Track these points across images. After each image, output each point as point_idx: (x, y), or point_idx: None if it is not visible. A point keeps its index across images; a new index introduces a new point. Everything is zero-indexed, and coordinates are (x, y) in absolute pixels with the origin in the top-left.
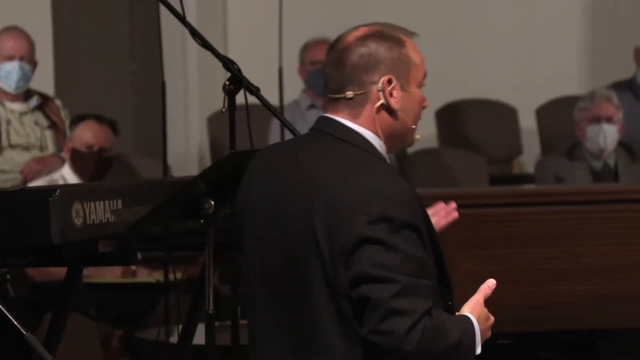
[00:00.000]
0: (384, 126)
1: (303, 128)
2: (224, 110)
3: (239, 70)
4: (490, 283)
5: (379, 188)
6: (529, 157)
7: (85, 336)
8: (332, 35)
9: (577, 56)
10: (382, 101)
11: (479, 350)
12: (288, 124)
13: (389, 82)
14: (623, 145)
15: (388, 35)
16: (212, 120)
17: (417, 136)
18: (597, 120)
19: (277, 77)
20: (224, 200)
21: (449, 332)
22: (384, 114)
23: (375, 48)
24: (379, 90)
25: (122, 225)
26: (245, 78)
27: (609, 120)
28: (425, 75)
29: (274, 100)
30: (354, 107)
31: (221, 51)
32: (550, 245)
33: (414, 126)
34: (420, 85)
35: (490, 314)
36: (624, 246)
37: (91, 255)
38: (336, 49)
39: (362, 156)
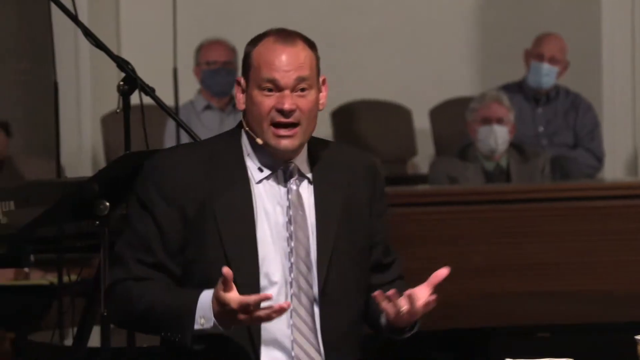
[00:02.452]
0: (248, 126)
1: (198, 129)
2: (118, 110)
3: (133, 70)
4: (225, 271)
5: (145, 166)
6: (423, 157)
7: None
8: (226, 36)
9: (469, 57)
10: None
11: (210, 324)
12: (184, 125)
13: (238, 82)
14: (514, 146)
15: (256, 37)
16: (106, 121)
17: (259, 140)
18: (488, 121)
19: (172, 77)
20: (118, 201)
21: (129, 300)
22: (245, 114)
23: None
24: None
25: (14, 227)
26: (139, 78)
27: (500, 121)
28: (268, 78)
29: (169, 100)
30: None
31: (114, 51)
32: (442, 245)
33: (262, 127)
34: (261, 87)
35: (228, 301)
36: (514, 245)
37: None
38: None
39: (189, 144)
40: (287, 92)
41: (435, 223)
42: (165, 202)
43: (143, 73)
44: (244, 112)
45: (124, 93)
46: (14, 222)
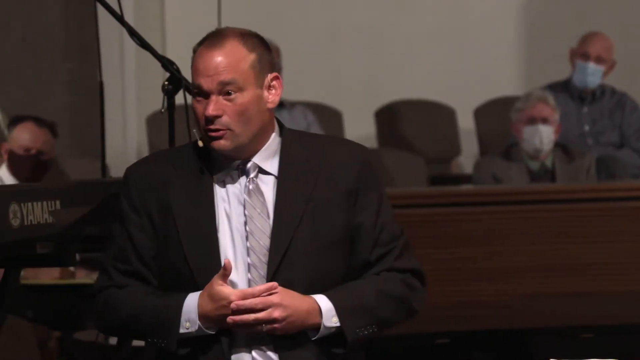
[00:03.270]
0: None
1: None
2: (163, 110)
3: (177, 70)
4: (226, 263)
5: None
6: (467, 157)
7: (21, 338)
8: (270, 36)
9: (513, 57)
10: None
11: (195, 327)
12: None
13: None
14: (560, 146)
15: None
16: (151, 121)
17: (200, 143)
18: (533, 121)
19: None
20: None
21: (114, 308)
22: None
23: None
24: None
25: (60, 227)
26: (184, 78)
27: (545, 121)
28: (195, 85)
29: None
30: None
31: (159, 51)
32: (487, 245)
33: (202, 130)
34: (194, 93)
35: (227, 295)
36: (559, 246)
37: (29, 256)
38: None
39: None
40: (213, 97)
41: (479, 223)
42: (136, 213)
43: (188, 73)
44: None
45: (169, 93)
46: (60, 222)
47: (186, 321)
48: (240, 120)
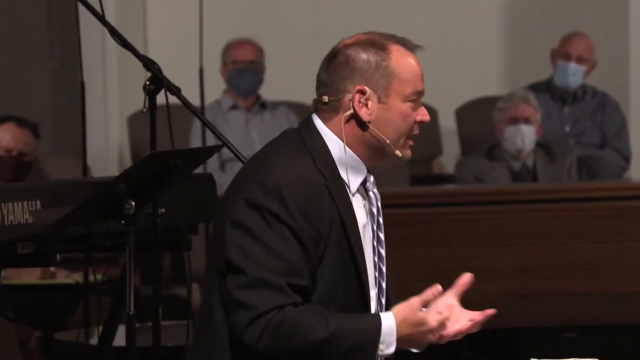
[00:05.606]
0: (354, 136)
1: (224, 128)
2: (144, 110)
3: (159, 70)
4: (436, 289)
5: (266, 176)
6: (449, 157)
7: (2, 338)
8: (253, 35)
9: (495, 57)
10: (350, 111)
11: (391, 350)
12: (209, 125)
13: (362, 92)
14: (541, 146)
15: (374, 44)
16: (132, 121)
17: (398, 152)
18: (515, 121)
19: (198, 77)
20: (145, 201)
21: (308, 329)
22: (353, 124)
23: (354, 57)
24: (349, 100)
25: (41, 227)
26: (166, 78)
27: (527, 121)
28: (418, 90)
29: (195, 100)
30: (329, 111)
31: (141, 51)
32: (469, 245)
33: (400, 140)
34: (407, 99)
35: (428, 321)
36: (541, 246)
37: (9, 256)
38: (328, 53)
39: (290, 151)
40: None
41: (461, 223)
42: (307, 222)
43: (169, 72)
44: (356, 123)
45: (150, 93)
46: (41, 222)
47: (382, 343)
48: None
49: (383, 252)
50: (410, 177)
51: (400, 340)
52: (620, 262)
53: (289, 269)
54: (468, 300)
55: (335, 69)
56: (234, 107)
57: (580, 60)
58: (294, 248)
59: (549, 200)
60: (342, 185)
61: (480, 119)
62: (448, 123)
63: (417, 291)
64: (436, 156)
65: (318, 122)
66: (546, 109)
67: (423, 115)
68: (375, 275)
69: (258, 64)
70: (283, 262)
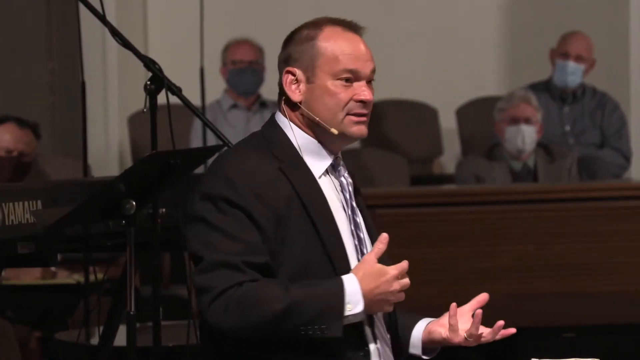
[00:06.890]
0: (299, 119)
1: (225, 128)
2: (145, 110)
3: (160, 70)
4: (383, 237)
5: (217, 168)
6: (450, 157)
7: (2, 338)
8: (253, 35)
9: (496, 57)
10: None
11: (359, 309)
12: (210, 124)
13: (291, 74)
14: (542, 146)
15: (310, 25)
16: (133, 120)
17: (333, 130)
18: (516, 121)
19: (198, 77)
20: (144, 201)
21: (270, 299)
22: (291, 106)
23: (290, 41)
24: (280, 83)
25: (41, 226)
26: (166, 78)
27: (527, 121)
28: (349, 68)
29: (195, 100)
30: (280, 100)
31: (142, 51)
32: (469, 245)
33: (335, 118)
34: (337, 77)
35: (387, 270)
36: (541, 246)
37: (10, 256)
38: None
39: (247, 147)
40: (363, 83)
41: (461, 223)
42: (261, 203)
43: (170, 72)
44: (291, 105)
45: (151, 92)
46: (41, 222)
47: (348, 303)
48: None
49: (363, 235)
50: (410, 177)
51: (366, 296)
52: (620, 262)
53: (245, 248)
54: (467, 301)
55: (280, 54)
56: (234, 106)
57: (579, 59)
58: (249, 228)
59: (549, 200)
60: (303, 167)
61: (480, 119)
62: (448, 123)
63: (417, 291)
64: (436, 156)
65: (278, 115)
66: (546, 108)
67: (360, 93)
68: (358, 258)
69: (258, 64)
70: (239, 243)
